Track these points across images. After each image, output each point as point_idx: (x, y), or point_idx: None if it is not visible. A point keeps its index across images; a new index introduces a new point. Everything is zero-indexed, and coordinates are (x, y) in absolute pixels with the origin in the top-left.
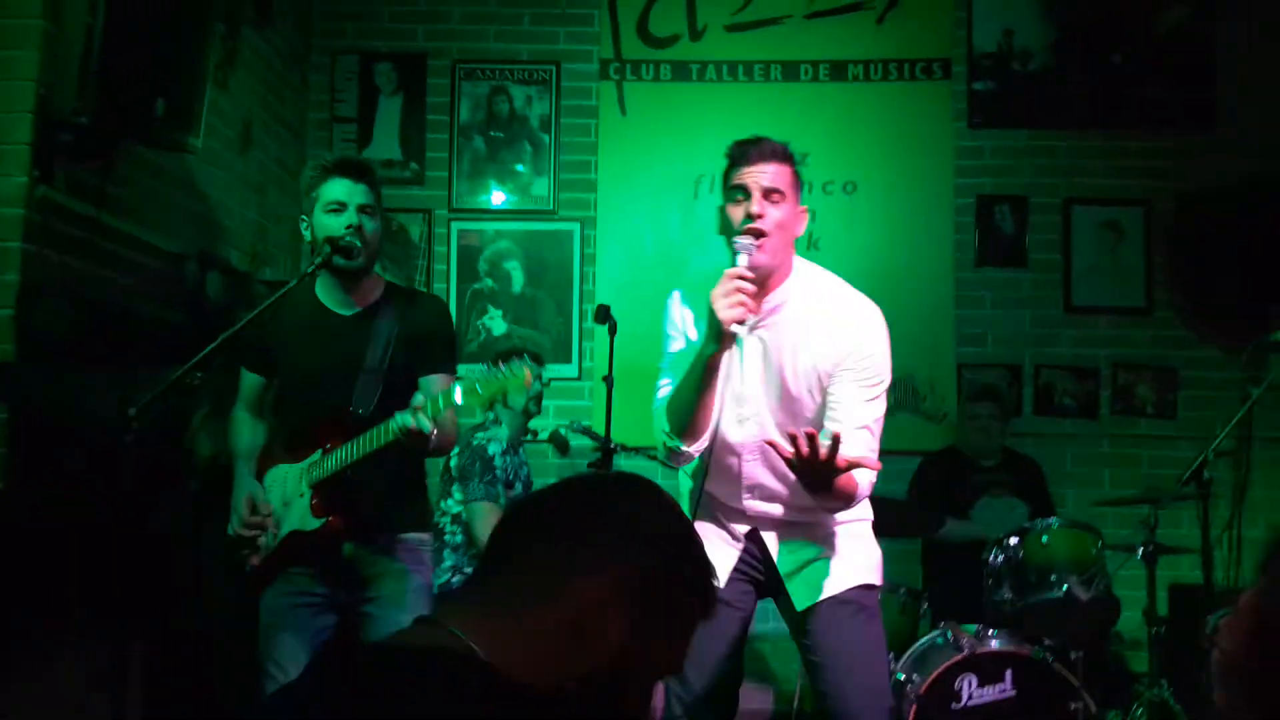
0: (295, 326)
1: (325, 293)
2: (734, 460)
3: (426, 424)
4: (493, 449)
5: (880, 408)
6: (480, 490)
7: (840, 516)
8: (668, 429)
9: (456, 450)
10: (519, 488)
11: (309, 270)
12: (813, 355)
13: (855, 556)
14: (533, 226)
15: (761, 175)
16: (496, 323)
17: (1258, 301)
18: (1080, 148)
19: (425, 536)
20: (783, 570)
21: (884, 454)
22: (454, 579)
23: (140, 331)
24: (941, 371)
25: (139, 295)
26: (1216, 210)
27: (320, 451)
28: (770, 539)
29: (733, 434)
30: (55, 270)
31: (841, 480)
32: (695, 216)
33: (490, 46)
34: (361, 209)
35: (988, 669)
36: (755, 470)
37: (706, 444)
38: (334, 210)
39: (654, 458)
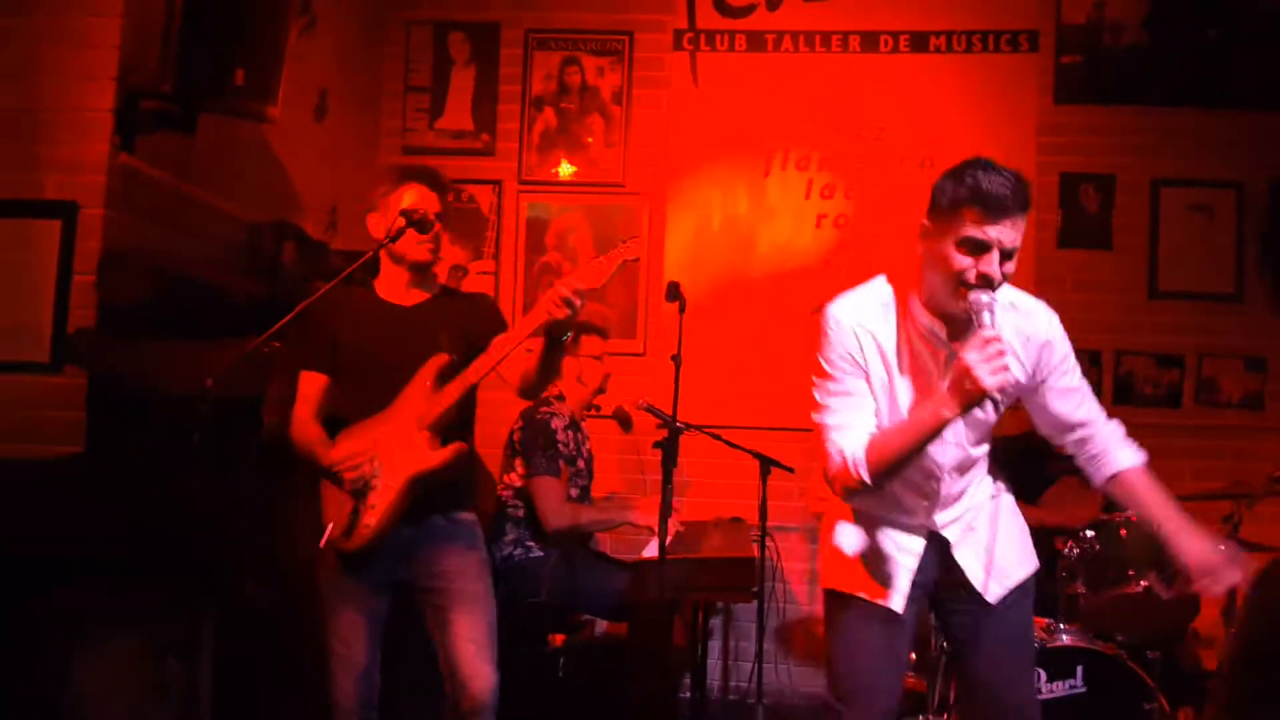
0: (361, 321)
1: (385, 289)
2: (926, 479)
3: (572, 297)
4: (555, 424)
5: None
6: (543, 465)
7: (994, 492)
8: (868, 477)
9: (520, 425)
10: (581, 464)
11: (390, 240)
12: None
13: (1023, 538)
14: (602, 200)
15: (1006, 234)
16: None
17: None
18: (1171, 126)
19: (472, 515)
20: (967, 567)
21: None
22: (515, 551)
23: (217, 300)
24: None
25: (216, 264)
26: None
27: (423, 402)
28: (951, 537)
29: (932, 454)
30: (135, 237)
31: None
32: (766, 191)
33: (563, 16)
34: (438, 216)
35: (1059, 664)
36: (947, 487)
37: None
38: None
39: (716, 437)
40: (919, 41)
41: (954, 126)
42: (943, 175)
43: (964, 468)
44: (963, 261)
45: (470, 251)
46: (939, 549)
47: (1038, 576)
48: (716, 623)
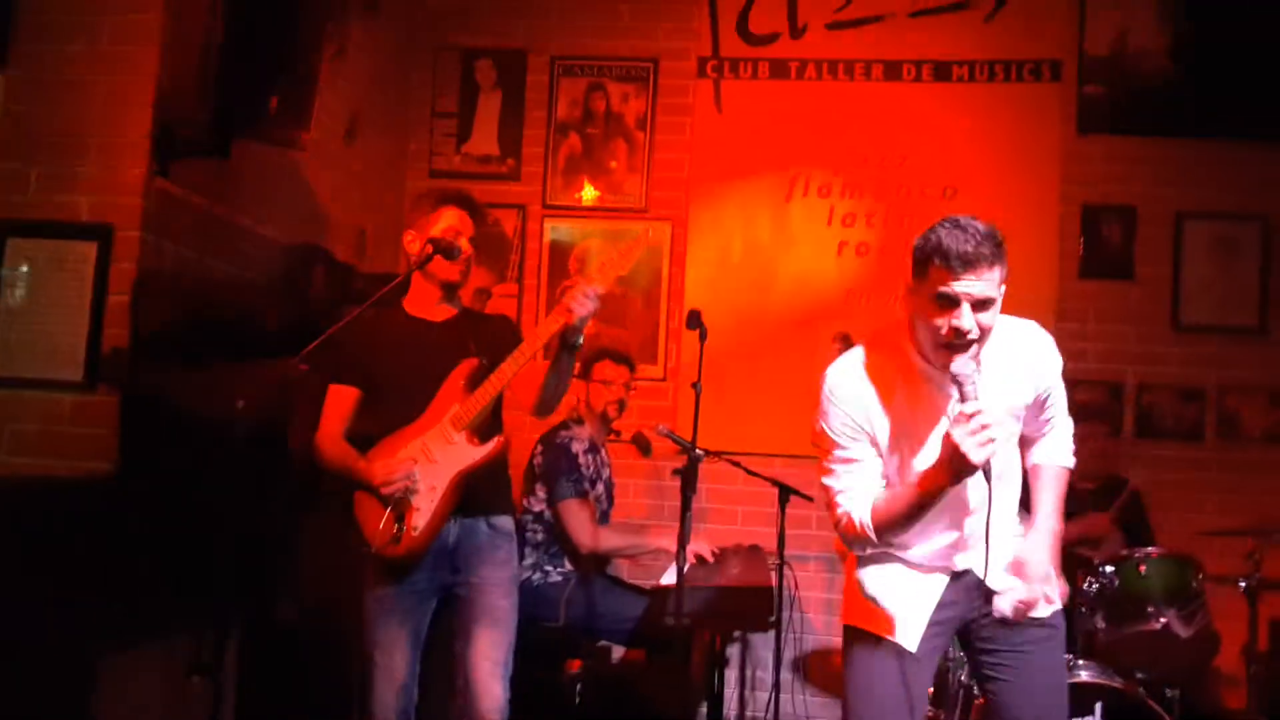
0: (391, 337)
1: (414, 306)
2: (947, 518)
3: (594, 291)
4: (575, 447)
5: None
6: (569, 489)
7: (1018, 530)
8: (875, 538)
9: (540, 449)
10: (600, 488)
11: (419, 266)
12: (1010, 395)
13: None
14: (624, 224)
15: (974, 287)
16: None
17: None
18: (1194, 157)
19: (511, 522)
20: (996, 588)
21: None
22: (533, 576)
23: (248, 322)
24: None
25: (248, 287)
26: None
27: (457, 404)
28: (978, 568)
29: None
30: (169, 260)
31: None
32: (787, 218)
33: (589, 43)
34: (471, 240)
35: (1078, 700)
36: (970, 523)
37: None
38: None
39: (736, 464)
40: (942, 71)
41: (977, 156)
42: (918, 239)
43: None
44: (938, 317)
45: (495, 275)
46: (965, 585)
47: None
48: (733, 651)
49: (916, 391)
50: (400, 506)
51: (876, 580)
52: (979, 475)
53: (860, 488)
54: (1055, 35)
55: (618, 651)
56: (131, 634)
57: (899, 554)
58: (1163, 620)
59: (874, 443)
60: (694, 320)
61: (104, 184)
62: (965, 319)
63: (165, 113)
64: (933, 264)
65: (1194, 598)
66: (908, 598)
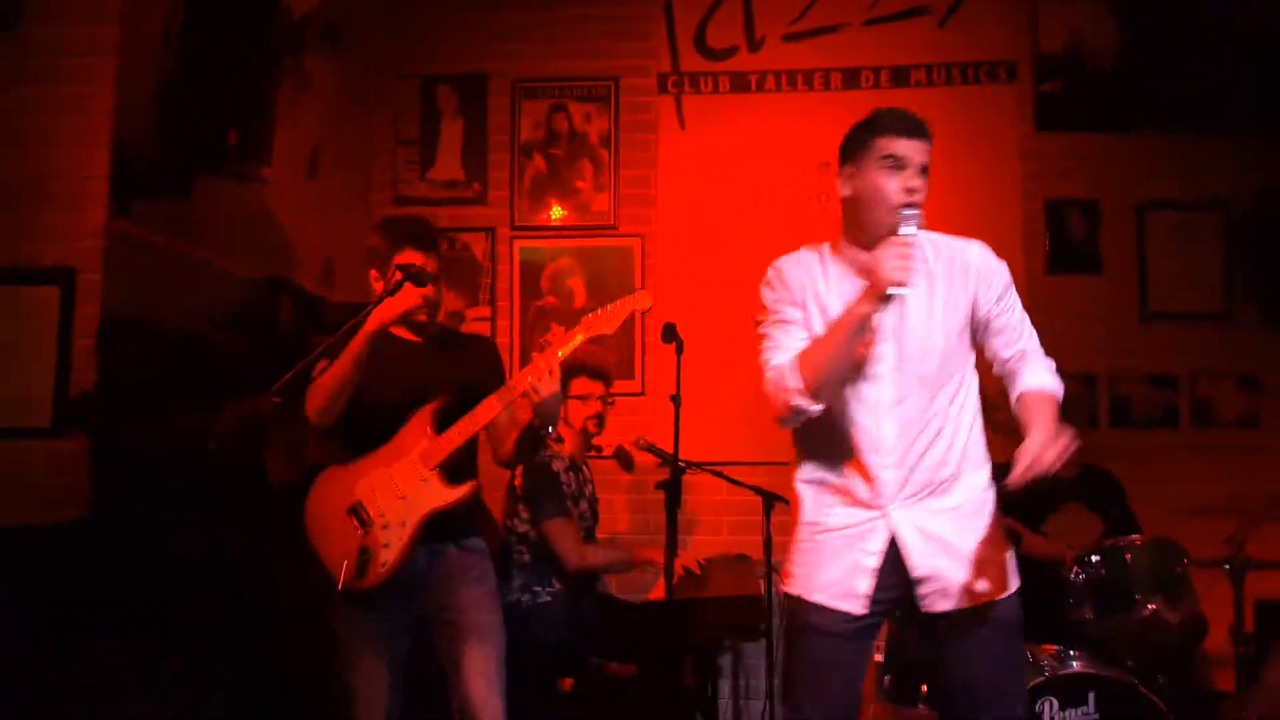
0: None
1: (393, 327)
2: (869, 420)
3: (545, 381)
4: (556, 465)
5: None
6: (552, 509)
7: (973, 492)
8: (799, 385)
9: (520, 470)
10: (584, 505)
11: (389, 293)
12: (951, 302)
13: (996, 551)
14: (594, 242)
15: (917, 151)
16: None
17: None
18: (1152, 150)
19: (482, 542)
20: (919, 573)
21: None
22: (522, 598)
23: (217, 359)
24: None
25: (215, 323)
26: None
27: (426, 441)
28: (907, 534)
29: (868, 394)
30: (133, 301)
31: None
32: (755, 229)
33: (549, 65)
34: (434, 275)
35: (1070, 691)
36: (896, 439)
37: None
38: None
39: (719, 474)
40: (900, 76)
41: (938, 158)
42: (846, 136)
43: (913, 424)
44: (889, 181)
45: (466, 298)
46: (895, 552)
47: (1047, 604)
48: (726, 661)
49: (845, 287)
50: (368, 536)
51: (819, 542)
52: (888, 408)
53: (789, 345)
54: (1009, 36)
55: (610, 668)
56: (111, 683)
57: (830, 479)
58: (1150, 607)
59: (807, 324)
60: (669, 334)
61: (65, 227)
62: (916, 178)
63: (123, 153)
64: (878, 134)
65: (1180, 583)
66: (849, 559)
